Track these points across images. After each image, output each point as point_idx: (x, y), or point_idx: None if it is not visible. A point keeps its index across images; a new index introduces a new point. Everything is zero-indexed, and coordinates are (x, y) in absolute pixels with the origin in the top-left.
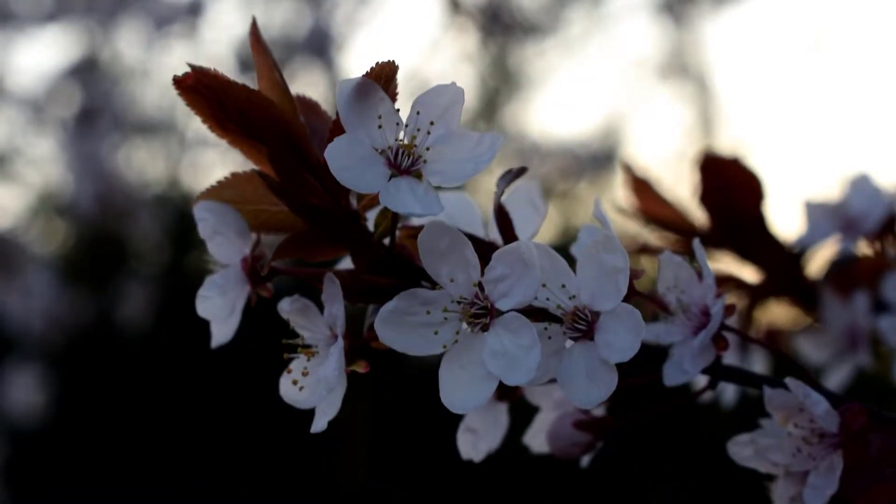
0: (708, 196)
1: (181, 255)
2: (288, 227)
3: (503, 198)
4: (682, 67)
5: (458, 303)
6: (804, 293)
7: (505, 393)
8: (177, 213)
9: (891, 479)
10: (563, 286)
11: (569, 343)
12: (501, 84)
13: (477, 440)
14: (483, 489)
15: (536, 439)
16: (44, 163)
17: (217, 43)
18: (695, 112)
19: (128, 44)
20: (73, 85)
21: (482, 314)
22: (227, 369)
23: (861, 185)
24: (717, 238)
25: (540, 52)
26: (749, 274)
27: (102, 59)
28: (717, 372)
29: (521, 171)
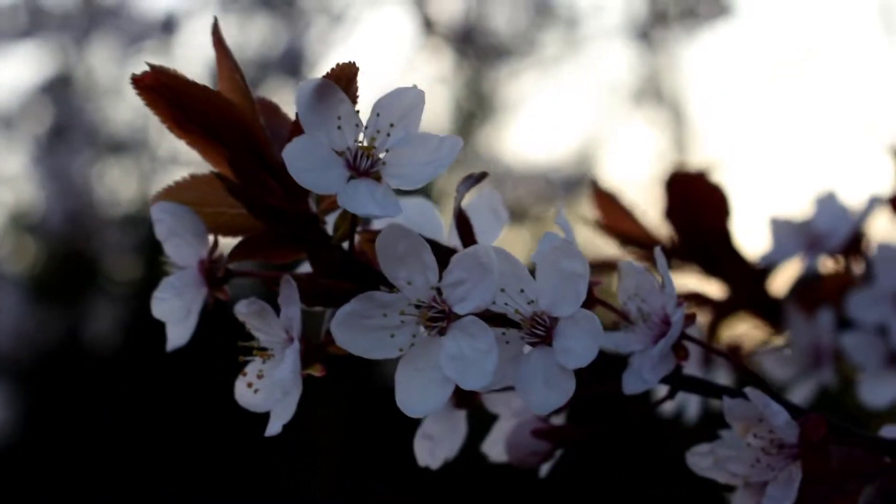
0: (674, 211)
1: (151, 273)
2: (246, 230)
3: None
4: (656, 92)
5: (416, 306)
6: (769, 310)
7: (463, 400)
8: (147, 231)
9: (849, 493)
10: (522, 291)
11: (527, 349)
12: (475, 107)
13: (434, 447)
14: (456, 498)
15: (495, 448)
16: (15, 180)
17: (190, 61)
18: (668, 137)
19: (101, 61)
20: (46, 101)
21: (440, 318)
22: (195, 384)
23: (827, 203)
24: (682, 253)
25: (514, 75)
26: (714, 290)
27: (75, 76)
28: (678, 381)
29: (481, 177)
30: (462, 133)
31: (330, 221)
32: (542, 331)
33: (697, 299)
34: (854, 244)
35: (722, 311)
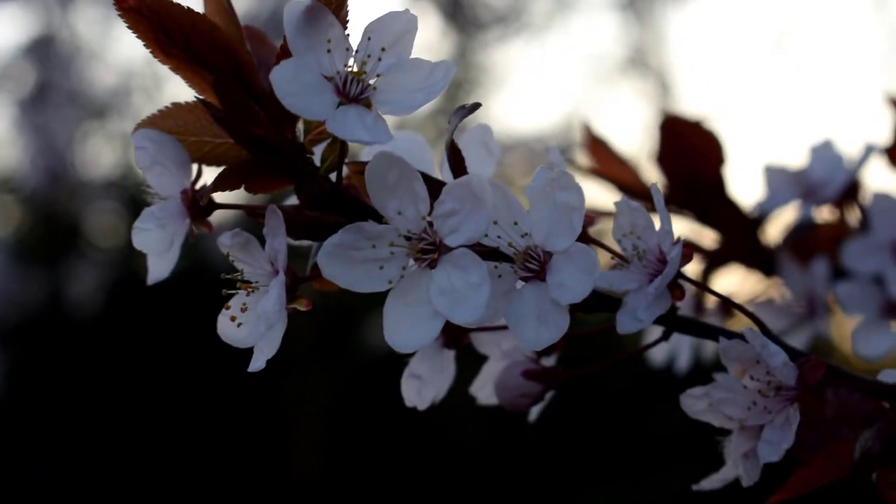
0: (667, 158)
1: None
2: (231, 160)
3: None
4: (642, 62)
5: (406, 238)
6: (762, 259)
7: (452, 340)
8: (130, 196)
9: (846, 438)
10: (516, 224)
11: (520, 283)
12: (463, 77)
13: (422, 387)
14: (440, 481)
15: (484, 390)
16: None
17: None
18: (655, 106)
19: (84, 22)
20: (29, 63)
21: (430, 250)
22: (178, 351)
23: (823, 152)
24: (675, 200)
25: (501, 44)
26: (707, 238)
27: (59, 38)
28: (672, 322)
29: (474, 107)
30: (449, 103)
31: (318, 153)
32: (535, 265)
33: (690, 247)
34: (849, 193)
35: (715, 259)
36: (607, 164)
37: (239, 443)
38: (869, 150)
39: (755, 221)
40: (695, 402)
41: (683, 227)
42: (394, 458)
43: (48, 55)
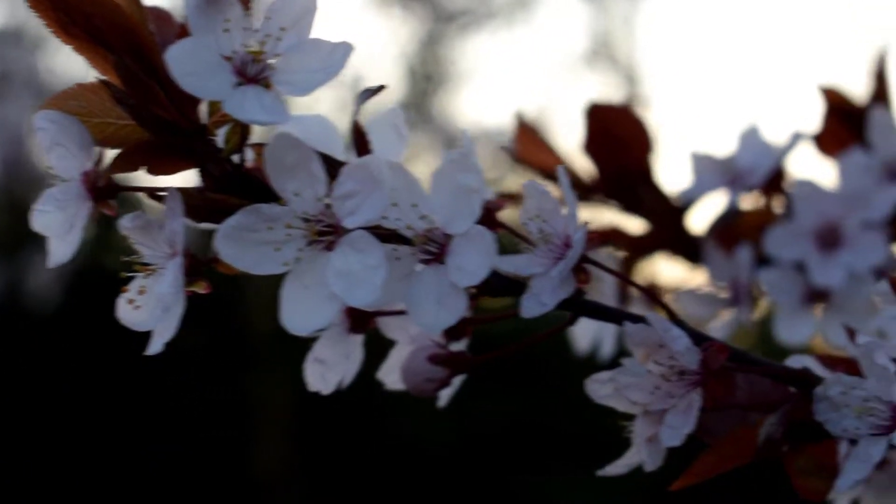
0: (594, 145)
1: (97, 230)
2: (134, 142)
3: (365, 121)
4: (608, 54)
5: (305, 220)
6: (689, 246)
7: (357, 324)
8: None
9: (756, 423)
10: (415, 206)
11: (420, 266)
12: (429, 70)
13: (325, 371)
14: (403, 483)
15: (391, 375)
16: None
17: None
18: (621, 99)
19: None
20: None
21: (328, 232)
22: (140, 346)
23: (750, 139)
24: (602, 189)
25: (470, 36)
26: (634, 226)
27: (21, 27)
28: (579, 307)
29: (378, 89)
30: (415, 97)
31: (222, 134)
32: (435, 248)
33: (616, 235)
34: (775, 181)
35: (640, 247)
36: (537, 152)
37: (200, 440)
38: (796, 138)
39: (681, 209)
40: (600, 387)
41: (611, 215)
42: (360, 455)
43: (8, 45)
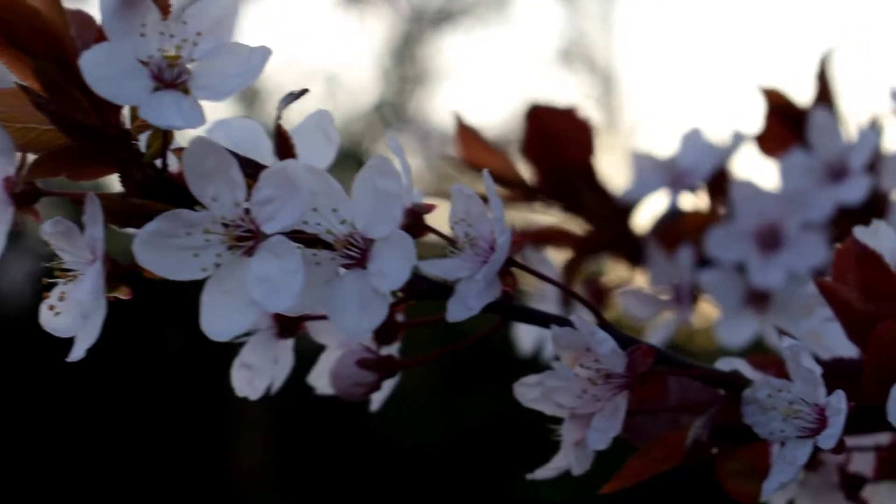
0: (533, 147)
1: None
2: (55, 147)
3: (292, 127)
4: (583, 55)
5: (224, 225)
6: (631, 247)
7: (285, 329)
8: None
9: (686, 426)
10: (336, 210)
11: (342, 271)
12: (407, 70)
13: (253, 377)
14: (383, 483)
15: (321, 380)
16: None
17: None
18: (596, 98)
19: None
20: None
21: (247, 237)
22: (114, 344)
23: (692, 139)
24: (543, 190)
25: (444, 37)
26: (576, 227)
27: None
28: (507, 311)
29: (301, 93)
30: (392, 97)
31: (145, 139)
32: (356, 253)
33: (558, 236)
34: (718, 181)
35: (583, 248)
36: (477, 153)
37: (180, 439)
38: (738, 139)
39: (624, 210)
40: (528, 391)
41: (553, 216)
42: (339, 455)
43: None
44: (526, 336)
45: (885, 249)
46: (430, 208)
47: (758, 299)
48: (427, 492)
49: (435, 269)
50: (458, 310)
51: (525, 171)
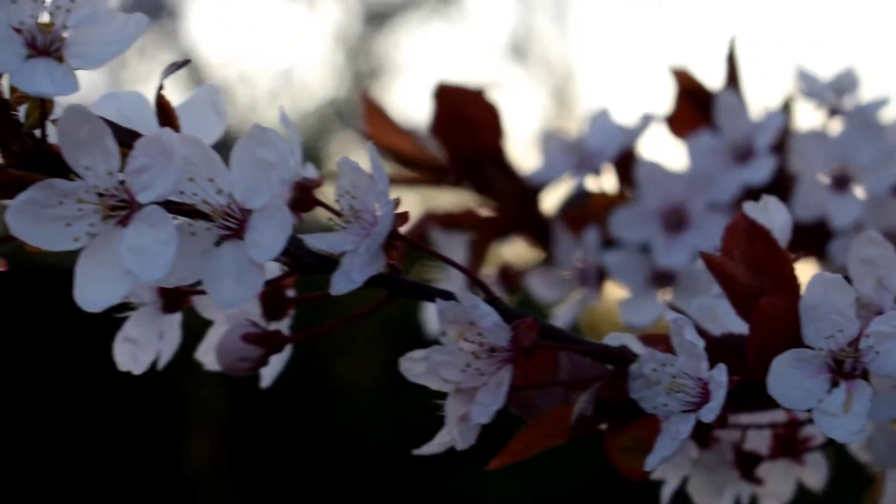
0: (442, 126)
1: None
2: None
3: (179, 102)
4: (535, 49)
5: (99, 195)
6: (540, 229)
7: (170, 303)
8: None
9: (572, 401)
10: (212, 180)
11: (219, 242)
12: (361, 65)
13: (137, 351)
14: (336, 479)
15: (209, 355)
16: None
17: None
18: (548, 93)
19: None
20: None
21: (122, 207)
22: (69, 340)
23: (599, 121)
24: (453, 171)
25: (399, 33)
26: (486, 209)
27: None
28: (392, 285)
29: (184, 63)
30: (347, 92)
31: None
32: (234, 223)
33: (466, 218)
34: (624, 162)
35: (491, 229)
36: (384, 132)
37: (131, 436)
38: (646, 120)
39: (532, 191)
40: (414, 365)
41: (462, 197)
42: (292, 450)
43: None
44: (433, 316)
45: (775, 225)
46: (319, 183)
47: (663, 280)
48: (379, 487)
49: (320, 242)
50: (342, 283)
51: (436, 152)
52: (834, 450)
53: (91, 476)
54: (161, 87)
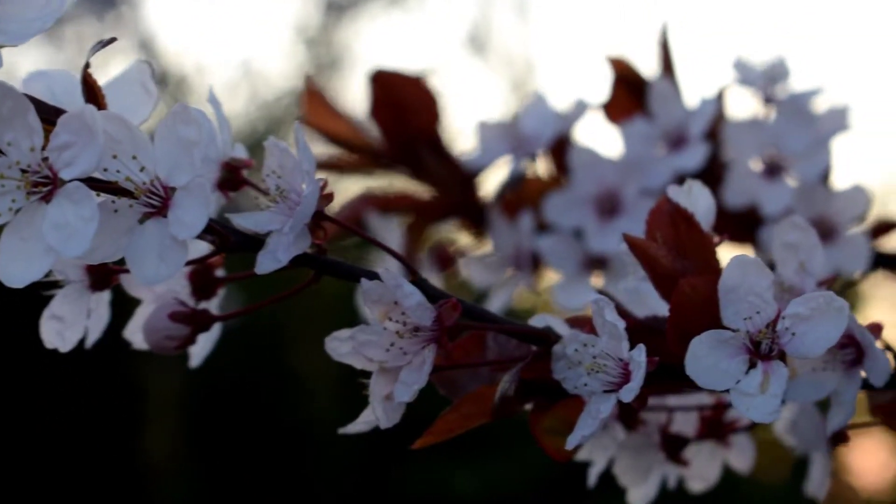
0: (379, 111)
1: None
2: None
3: (108, 80)
4: (493, 39)
5: (23, 171)
6: (476, 214)
7: (97, 281)
8: None
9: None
10: (135, 158)
11: (143, 219)
12: (322, 56)
13: (63, 329)
14: (291, 471)
15: (137, 335)
16: None
17: None
18: (509, 82)
19: None
20: None
21: (45, 184)
22: (14, 335)
23: (535, 106)
24: (390, 155)
25: (360, 22)
26: (424, 194)
27: None
28: (317, 264)
29: (109, 41)
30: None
31: None
32: (157, 201)
33: (402, 202)
34: (560, 148)
35: (427, 213)
36: (323, 117)
37: (87, 430)
38: (581, 107)
39: (469, 176)
40: (340, 345)
41: (399, 182)
42: (247, 443)
43: None
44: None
45: (698, 209)
46: (247, 163)
47: (596, 264)
48: (335, 479)
49: (246, 221)
50: (268, 262)
51: (371, 135)
52: None
53: (45, 469)
54: (87, 66)
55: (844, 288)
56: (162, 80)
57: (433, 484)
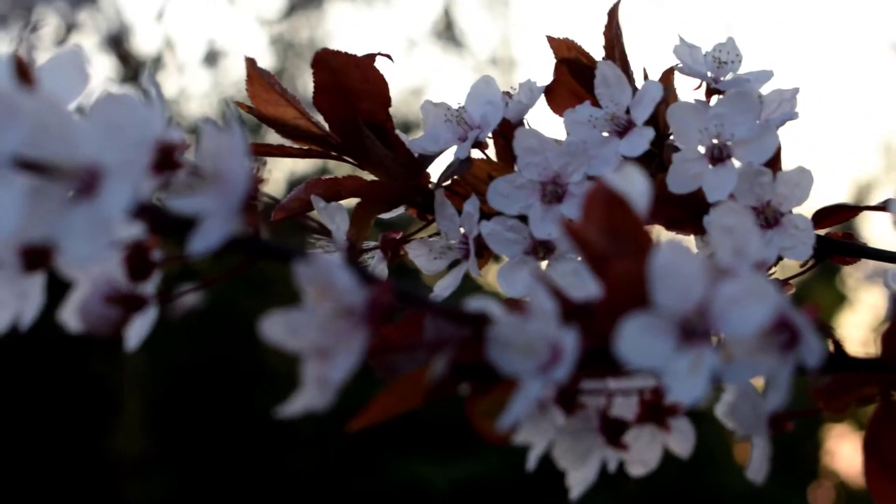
0: (323, 96)
1: None
2: None
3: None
4: (469, 33)
5: None
6: (424, 200)
7: (30, 262)
8: None
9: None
10: (64, 139)
11: (71, 199)
12: (295, 43)
13: None
14: (266, 467)
15: (71, 318)
16: None
17: None
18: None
19: None
20: None
21: None
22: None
23: (481, 91)
24: (335, 140)
25: (330, 17)
26: (371, 180)
27: None
28: (250, 247)
29: (38, 25)
30: (282, 71)
31: None
32: (86, 182)
33: (349, 188)
34: (503, 132)
35: (374, 200)
36: (267, 102)
37: (56, 426)
38: (531, 90)
39: (417, 162)
40: (275, 328)
41: (348, 169)
42: (220, 439)
43: None
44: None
45: (633, 192)
46: (182, 145)
47: (542, 250)
48: (312, 475)
49: (179, 203)
50: (199, 244)
51: (317, 120)
52: None
53: (15, 466)
54: (20, 47)
55: (798, 275)
56: (132, 61)
57: (409, 478)
